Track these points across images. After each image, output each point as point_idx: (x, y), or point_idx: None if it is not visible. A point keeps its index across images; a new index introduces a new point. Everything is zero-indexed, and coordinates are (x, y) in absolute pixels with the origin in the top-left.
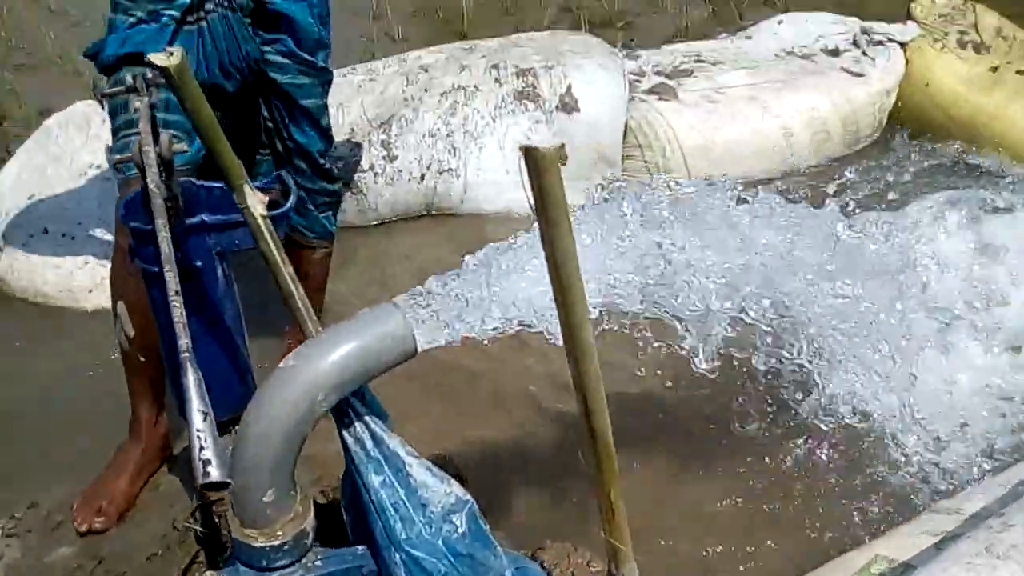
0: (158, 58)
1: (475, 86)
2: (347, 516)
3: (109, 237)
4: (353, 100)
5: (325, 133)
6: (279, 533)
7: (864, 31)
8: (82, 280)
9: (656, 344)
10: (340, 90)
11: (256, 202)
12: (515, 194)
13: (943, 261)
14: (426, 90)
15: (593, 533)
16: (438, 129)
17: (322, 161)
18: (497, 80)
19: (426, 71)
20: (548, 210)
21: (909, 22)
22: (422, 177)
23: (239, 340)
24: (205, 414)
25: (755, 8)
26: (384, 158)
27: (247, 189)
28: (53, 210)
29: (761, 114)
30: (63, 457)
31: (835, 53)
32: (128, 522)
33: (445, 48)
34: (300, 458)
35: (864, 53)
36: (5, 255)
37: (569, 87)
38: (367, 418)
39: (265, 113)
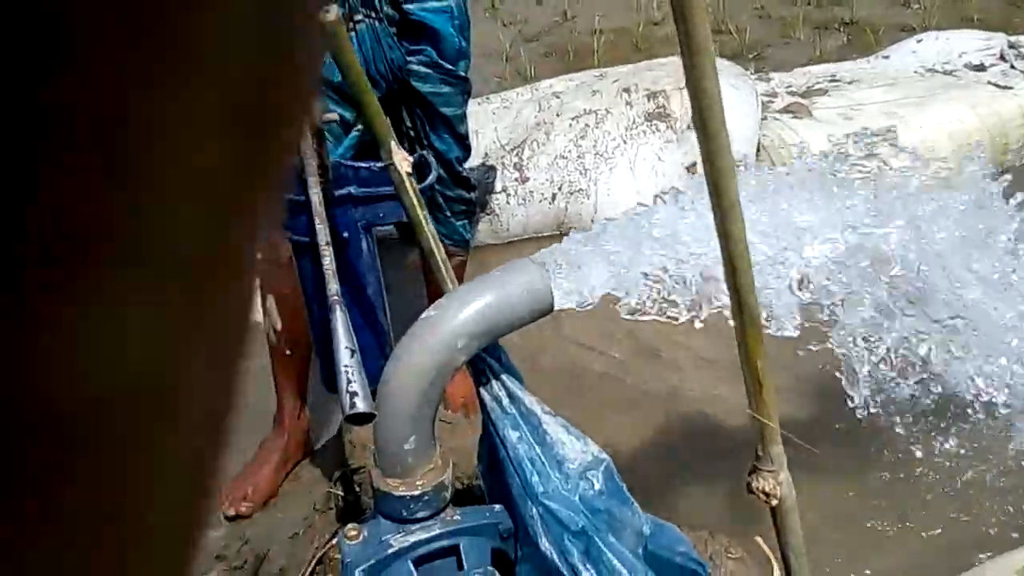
0: None
1: (606, 109)
2: (484, 481)
3: None
4: (487, 126)
5: (463, 141)
6: (419, 483)
7: (1012, 45)
8: None
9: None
10: (475, 117)
11: (401, 159)
12: None
13: None
14: (558, 115)
15: (728, 522)
16: (569, 151)
17: (460, 169)
18: (628, 103)
19: (558, 97)
20: (692, 54)
21: None
22: (553, 198)
23: (381, 314)
24: (352, 351)
25: (892, 34)
26: (516, 180)
27: (393, 146)
28: None
29: (902, 128)
30: None
31: (980, 68)
32: (271, 508)
33: (576, 76)
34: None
35: (1012, 67)
36: None
37: None
38: (503, 376)
39: (408, 123)
